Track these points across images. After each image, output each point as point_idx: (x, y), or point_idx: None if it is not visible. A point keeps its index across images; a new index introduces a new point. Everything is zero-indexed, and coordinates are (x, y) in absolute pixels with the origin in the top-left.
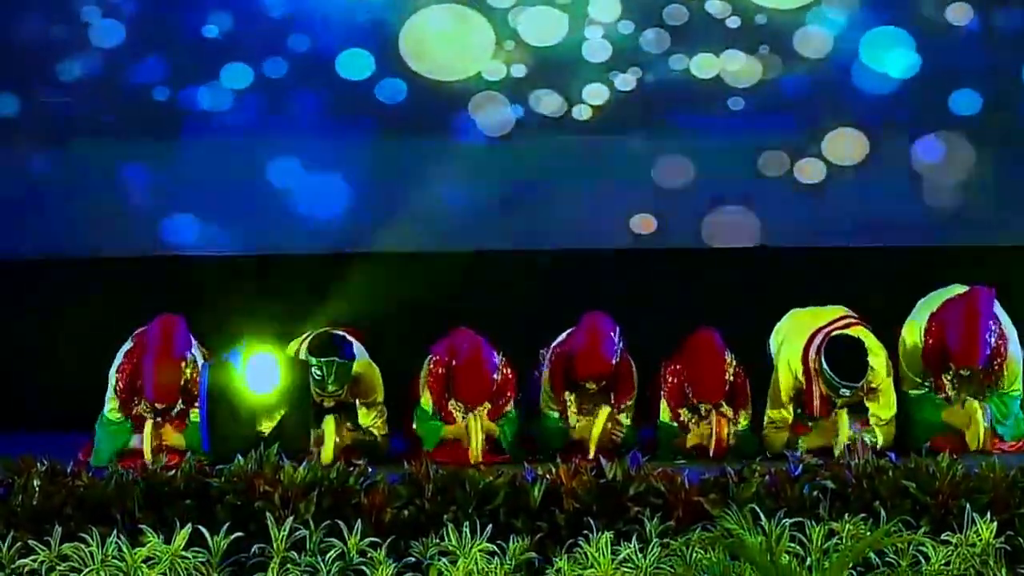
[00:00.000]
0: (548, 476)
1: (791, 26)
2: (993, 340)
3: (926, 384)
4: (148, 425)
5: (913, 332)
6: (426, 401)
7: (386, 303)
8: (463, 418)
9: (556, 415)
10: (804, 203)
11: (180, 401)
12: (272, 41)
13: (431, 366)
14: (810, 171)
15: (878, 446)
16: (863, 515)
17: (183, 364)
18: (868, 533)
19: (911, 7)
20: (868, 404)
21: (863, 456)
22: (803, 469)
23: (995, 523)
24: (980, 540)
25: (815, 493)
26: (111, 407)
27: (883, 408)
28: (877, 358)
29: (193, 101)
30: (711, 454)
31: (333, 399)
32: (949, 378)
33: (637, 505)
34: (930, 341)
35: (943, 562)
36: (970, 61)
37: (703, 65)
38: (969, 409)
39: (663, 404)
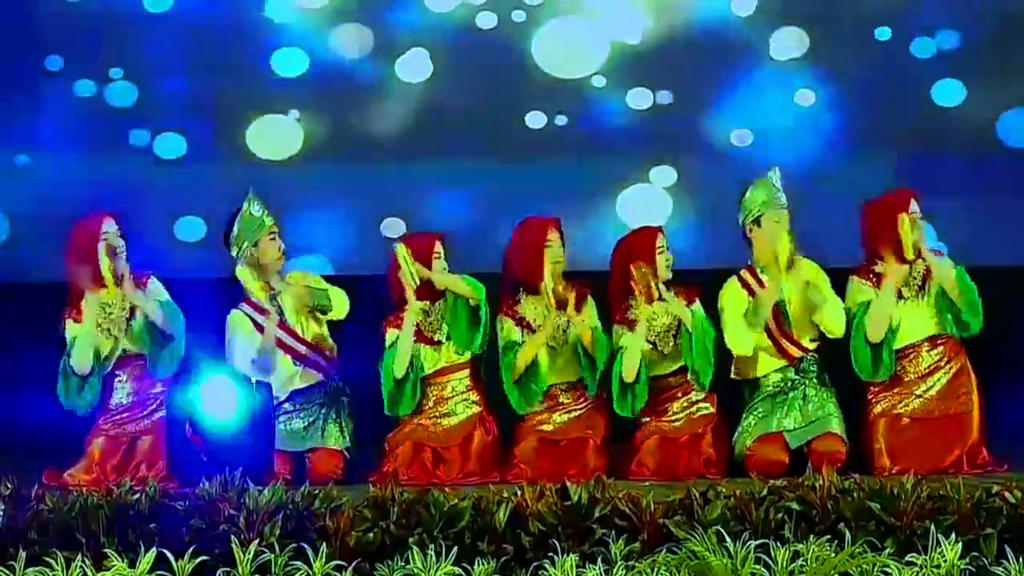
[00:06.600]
0: (513, 498)
1: None
2: None
3: None
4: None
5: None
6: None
7: None
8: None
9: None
10: None
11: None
12: None
13: None
14: None
15: None
16: (828, 537)
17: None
18: (833, 555)
19: None
20: None
21: None
22: (768, 491)
23: (960, 544)
24: (945, 561)
25: (780, 515)
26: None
27: None
28: None
29: None
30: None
31: None
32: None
33: (602, 527)
34: None
35: None
36: None
37: None
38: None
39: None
